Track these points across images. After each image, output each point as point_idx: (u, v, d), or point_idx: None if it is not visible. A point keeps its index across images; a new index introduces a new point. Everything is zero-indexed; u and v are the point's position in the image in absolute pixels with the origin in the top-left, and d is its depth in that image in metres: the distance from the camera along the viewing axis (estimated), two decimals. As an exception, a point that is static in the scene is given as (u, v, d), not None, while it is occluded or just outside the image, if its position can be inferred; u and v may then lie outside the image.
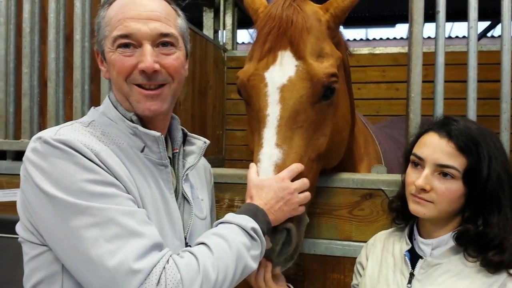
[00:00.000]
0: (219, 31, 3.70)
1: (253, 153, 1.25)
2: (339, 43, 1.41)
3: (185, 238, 1.06)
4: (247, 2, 1.43)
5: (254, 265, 0.99)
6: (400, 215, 1.23)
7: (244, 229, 0.98)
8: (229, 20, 3.73)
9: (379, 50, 3.69)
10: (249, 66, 1.30)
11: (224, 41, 3.72)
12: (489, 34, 4.75)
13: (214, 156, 3.44)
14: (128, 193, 0.92)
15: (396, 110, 3.52)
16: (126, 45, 0.98)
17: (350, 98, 1.54)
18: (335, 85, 1.26)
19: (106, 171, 0.90)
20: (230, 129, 3.76)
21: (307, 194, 1.17)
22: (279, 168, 1.15)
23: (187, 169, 1.13)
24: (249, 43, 8.02)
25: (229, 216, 1.02)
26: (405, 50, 3.60)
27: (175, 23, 1.05)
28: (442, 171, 1.06)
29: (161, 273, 0.84)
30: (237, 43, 3.96)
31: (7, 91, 1.79)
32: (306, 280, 1.50)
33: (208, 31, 3.57)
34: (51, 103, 1.77)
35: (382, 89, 3.63)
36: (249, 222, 1.00)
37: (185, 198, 1.11)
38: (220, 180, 1.56)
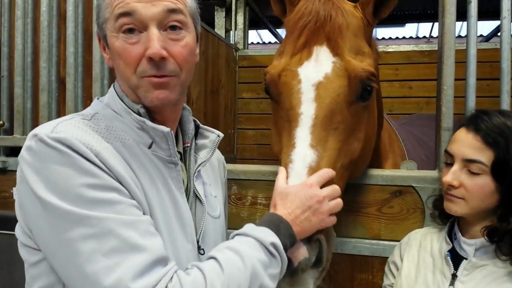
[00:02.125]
0: (231, 31, 3.67)
1: (280, 154, 1.17)
2: (371, 43, 1.35)
3: (198, 241, 0.98)
4: None
5: (271, 285, 0.88)
6: (442, 213, 1.19)
7: (262, 244, 0.88)
8: (240, 19, 3.70)
9: (391, 48, 3.64)
10: (280, 61, 1.23)
11: (235, 41, 3.69)
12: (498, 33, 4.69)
13: (226, 155, 3.40)
14: (132, 197, 0.84)
15: (409, 108, 3.47)
16: (130, 30, 0.88)
17: (379, 101, 1.48)
18: (373, 84, 1.20)
19: (107, 173, 0.81)
20: (242, 128, 3.73)
21: (339, 201, 1.05)
22: (312, 171, 1.06)
23: (199, 165, 1.04)
24: (258, 43, 8.05)
25: (248, 228, 0.93)
26: (418, 48, 3.56)
27: (184, 1, 0.94)
28: (470, 166, 1.03)
29: None
30: (248, 43, 3.94)
31: (25, 87, 1.77)
32: (333, 280, 1.45)
33: (220, 31, 3.54)
34: (70, 99, 1.73)
35: (395, 88, 3.58)
36: (269, 236, 0.89)
37: (196, 196, 1.03)
38: (243, 177, 1.52)
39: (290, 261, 0.96)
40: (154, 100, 0.90)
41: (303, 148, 1.09)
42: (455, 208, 1.06)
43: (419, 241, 1.21)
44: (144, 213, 0.85)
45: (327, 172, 1.06)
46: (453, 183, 1.04)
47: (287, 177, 1.07)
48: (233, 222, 1.54)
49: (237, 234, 0.92)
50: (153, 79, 0.89)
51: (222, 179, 1.22)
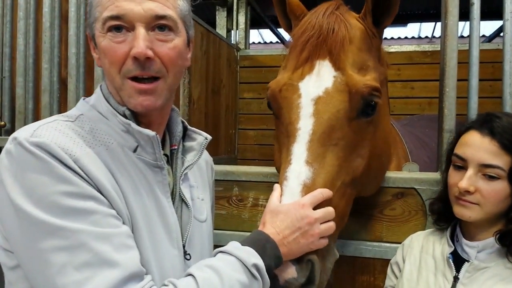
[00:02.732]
0: (232, 31, 3.67)
1: (280, 171, 1.14)
2: (380, 55, 1.30)
3: (184, 246, 0.96)
4: (292, 5, 1.32)
5: None
6: (442, 217, 1.18)
7: (244, 265, 0.85)
8: (242, 19, 3.69)
9: (394, 48, 3.63)
10: (283, 76, 1.20)
11: (237, 40, 3.69)
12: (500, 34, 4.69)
13: (227, 156, 3.41)
14: (111, 206, 0.82)
15: (411, 109, 3.46)
16: (117, 29, 0.86)
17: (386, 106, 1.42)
18: (376, 100, 1.15)
19: (86, 181, 0.79)
20: (243, 128, 3.72)
21: (331, 224, 1.01)
22: (307, 189, 1.02)
23: (186, 168, 1.02)
24: (259, 43, 8.04)
25: (232, 246, 0.89)
26: (420, 48, 3.55)
27: (174, 4, 0.92)
28: (487, 171, 1.01)
29: None
30: (249, 43, 3.93)
31: (26, 87, 1.77)
32: (334, 283, 1.45)
33: (221, 30, 3.54)
34: (72, 99, 1.73)
35: (397, 88, 3.56)
36: (252, 257, 0.86)
37: (183, 200, 1.00)
38: (244, 179, 1.52)
39: (278, 279, 0.94)
40: (138, 107, 0.89)
41: (298, 165, 1.06)
42: (469, 213, 1.04)
43: (421, 243, 1.21)
44: (124, 222, 0.83)
45: (321, 193, 1.02)
46: (469, 189, 1.01)
47: (281, 195, 1.04)
48: (234, 224, 1.54)
49: (220, 252, 0.90)
50: (136, 85, 0.87)
51: (210, 181, 1.20)
